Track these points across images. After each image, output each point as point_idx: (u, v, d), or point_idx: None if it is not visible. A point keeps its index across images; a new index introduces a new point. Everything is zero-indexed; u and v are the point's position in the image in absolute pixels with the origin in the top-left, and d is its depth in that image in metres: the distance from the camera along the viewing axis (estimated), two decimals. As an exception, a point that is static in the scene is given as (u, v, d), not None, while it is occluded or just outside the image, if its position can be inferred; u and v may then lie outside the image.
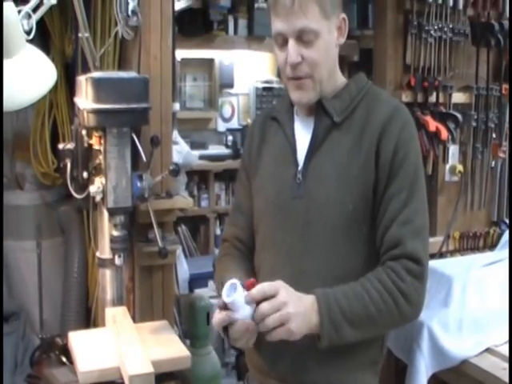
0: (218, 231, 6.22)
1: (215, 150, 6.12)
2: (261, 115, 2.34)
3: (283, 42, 1.94)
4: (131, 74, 2.56)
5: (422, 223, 1.94)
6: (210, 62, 6.09)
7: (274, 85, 6.28)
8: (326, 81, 2.00)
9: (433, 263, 3.32)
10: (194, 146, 5.78)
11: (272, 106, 2.38)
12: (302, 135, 2.05)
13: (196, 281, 4.47)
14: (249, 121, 6.24)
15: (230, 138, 6.20)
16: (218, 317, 1.84)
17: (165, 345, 2.37)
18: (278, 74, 6.25)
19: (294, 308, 1.77)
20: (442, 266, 3.29)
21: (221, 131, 6.35)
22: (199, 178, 6.03)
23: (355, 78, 2.11)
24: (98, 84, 2.32)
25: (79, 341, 2.43)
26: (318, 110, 2.01)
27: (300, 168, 2.02)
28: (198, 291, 4.22)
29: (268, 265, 2.08)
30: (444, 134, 3.50)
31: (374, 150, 1.94)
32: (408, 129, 2.00)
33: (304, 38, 1.91)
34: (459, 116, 3.60)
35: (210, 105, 6.21)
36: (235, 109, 6.38)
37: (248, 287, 1.78)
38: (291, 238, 2.01)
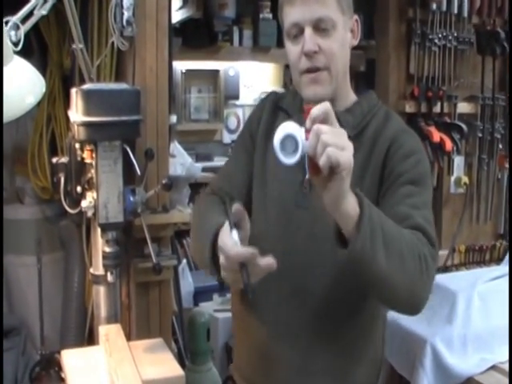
0: (224, 244, 6.13)
1: (220, 161, 6.04)
2: (269, 101, 2.12)
3: (298, 34, 1.84)
4: (122, 85, 2.51)
5: (430, 214, 1.80)
6: (214, 74, 6.06)
7: (279, 96, 6.22)
8: (341, 82, 1.92)
9: (436, 278, 3.26)
10: (199, 158, 5.74)
11: (281, 95, 2.15)
12: None
13: (201, 294, 4.45)
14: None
15: (236, 149, 6.13)
16: (235, 250, 1.51)
17: (158, 364, 2.30)
18: (284, 85, 6.22)
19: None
20: (446, 281, 3.22)
21: (226, 143, 6.30)
22: (205, 191, 5.96)
23: (366, 96, 2.03)
24: (87, 96, 2.28)
25: (72, 359, 2.36)
26: None
27: (308, 176, 1.93)
28: (203, 305, 4.19)
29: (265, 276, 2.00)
30: (448, 145, 3.46)
31: (381, 164, 1.86)
32: (418, 143, 1.95)
33: (321, 26, 1.82)
34: (464, 126, 3.56)
35: (215, 116, 6.17)
36: (240, 120, 6.33)
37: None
38: (294, 250, 1.91)
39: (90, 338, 3.38)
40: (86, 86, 2.36)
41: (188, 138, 5.58)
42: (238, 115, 6.34)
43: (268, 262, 1.52)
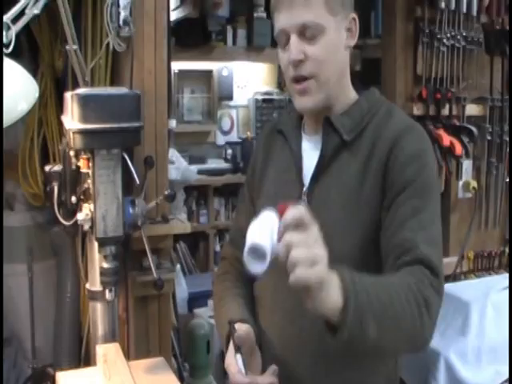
0: (218, 248, 6.15)
1: (214, 164, 6.05)
2: (267, 128, 2.16)
3: (286, 41, 1.79)
4: (121, 90, 2.39)
5: (437, 233, 1.73)
6: (208, 74, 6.05)
7: (274, 96, 6.21)
8: (335, 87, 1.84)
9: (447, 287, 3.16)
10: (192, 160, 5.70)
11: (278, 118, 2.23)
12: (310, 154, 1.87)
13: (195, 300, 4.39)
14: (248, 134, 6.22)
15: (230, 151, 6.12)
16: (237, 380, 1.70)
17: (160, 385, 2.21)
18: (279, 85, 6.16)
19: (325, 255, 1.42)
20: (457, 291, 3.13)
21: (220, 145, 6.27)
22: (198, 194, 5.93)
23: (367, 94, 1.94)
24: (84, 102, 2.14)
25: (68, 382, 2.24)
26: (325, 126, 1.83)
27: (305, 189, 1.86)
28: (198, 311, 4.09)
29: (269, 294, 1.94)
30: (458, 149, 3.39)
31: (382, 170, 1.76)
32: (423, 142, 1.83)
33: (307, 33, 1.76)
34: (474, 129, 3.48)
35: (208, 117, 6.13)
36: (234, 121, 6.29)
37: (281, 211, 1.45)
38: None
39: (85, 352, 3.26)
40: (83, 91, 2.23)
41: (181, 139, 5.49)
42: (231, 116, 6.32)
43: (268, 381, 1.70)
